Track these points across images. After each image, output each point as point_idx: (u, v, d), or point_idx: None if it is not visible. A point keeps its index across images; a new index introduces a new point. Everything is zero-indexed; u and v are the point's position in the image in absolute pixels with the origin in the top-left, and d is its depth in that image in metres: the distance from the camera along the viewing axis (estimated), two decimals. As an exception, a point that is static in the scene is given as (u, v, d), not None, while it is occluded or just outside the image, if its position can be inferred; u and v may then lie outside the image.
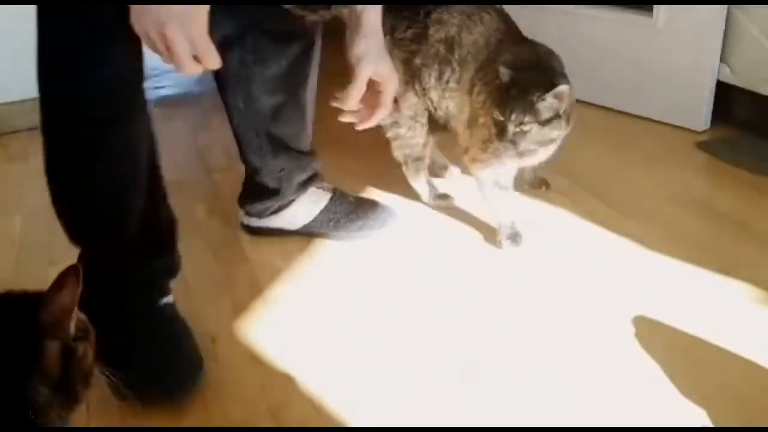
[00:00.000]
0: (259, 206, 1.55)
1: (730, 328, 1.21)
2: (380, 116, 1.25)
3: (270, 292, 1.40)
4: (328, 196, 1.56)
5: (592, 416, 1.06)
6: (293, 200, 1.54)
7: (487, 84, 1.42)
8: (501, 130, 1.35)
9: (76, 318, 0.78)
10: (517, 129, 1.32)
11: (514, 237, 1.48)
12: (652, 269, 1.40)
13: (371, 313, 1.32)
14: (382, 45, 1.22)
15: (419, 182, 1.66)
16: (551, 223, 1.59)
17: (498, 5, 1.49)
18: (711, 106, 1.98)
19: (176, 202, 1.78)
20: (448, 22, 1.47)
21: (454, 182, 1.78)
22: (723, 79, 1.94)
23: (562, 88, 1.30)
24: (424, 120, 1.57)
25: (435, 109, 1.55)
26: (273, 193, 1.52)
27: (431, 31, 1.48)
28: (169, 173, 1.96)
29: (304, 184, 1.54)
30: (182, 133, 2.24)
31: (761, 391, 1.09)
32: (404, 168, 1.65)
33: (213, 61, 0.97)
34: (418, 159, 1.63)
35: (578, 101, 2.20)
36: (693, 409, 1.05)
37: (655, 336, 1.21)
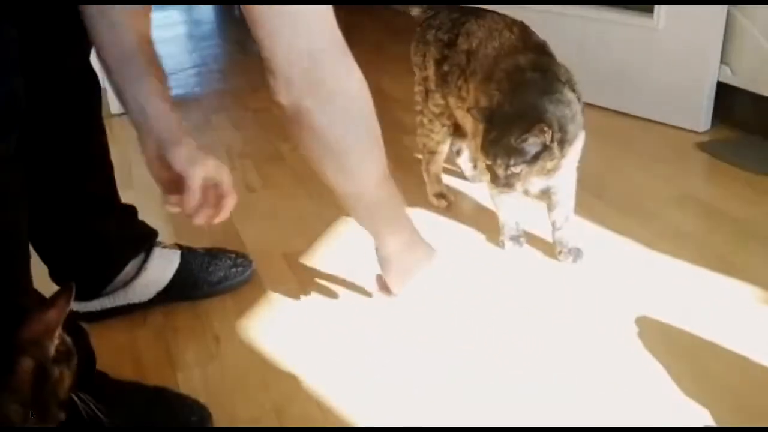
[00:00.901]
0: (88, 283, 1.31)
1: (732, 328, 1.21)
2: (232, 204, 1.07)
3: (273, 291, 1.41)
4: (178, 253, 1.38)
5: (594, 416, 1.06)
6: (141, 268, 1.33)
7: (485, 93, 1.41)
8: (493, 175, 1.32)
9: (60, 340, 0.76)
10: (508, 172, 1.29)
11: (517, 238, 1.48)
12: (654, 269, 1.40)
13: (374, 313, 1.32)
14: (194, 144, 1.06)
15: (427, 174, 1.71)
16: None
17: (525, 24, 1.48)
18: (711, 107, 1.99)
19: (178, 202, 1.81)
20: (474, 35, 1.48)
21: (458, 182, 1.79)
22: (723, 80, 1.95)
23: (541, 125, 1.24)
24: (447, 121, 1.61)
25: (451, 115, 1.58)
26: (102, 262, 1.31)
27: (460, 40, 1.50)
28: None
29: (140, 244, 1.35)
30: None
31: (764, 390, 1.09)
32: (421, 156, 1.72)
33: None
34: (431, 152, 1.68)
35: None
36: (696, 408, 1.05)
37: (657, 336, 1.21)
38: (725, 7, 1.87)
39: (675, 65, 2.00)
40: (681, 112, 2.03)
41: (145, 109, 1.02)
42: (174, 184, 1.03)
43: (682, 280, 1.37)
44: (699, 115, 1.99)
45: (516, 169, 1.28)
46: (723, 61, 1.93)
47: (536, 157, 1.27)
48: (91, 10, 0.99)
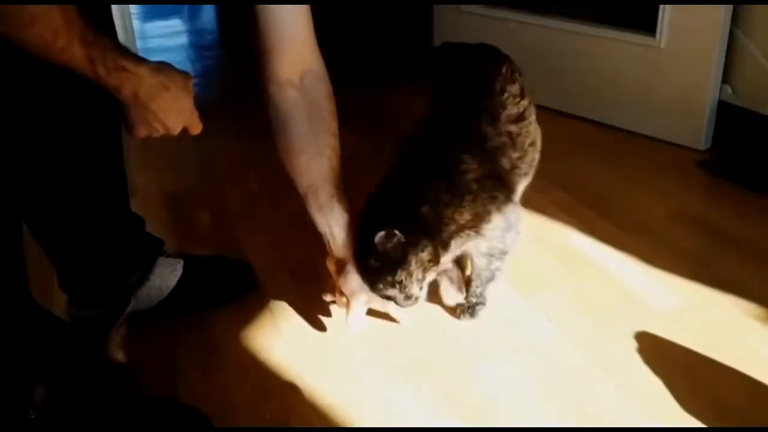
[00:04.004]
0: (94, 291, 1.31)
1: (729, 345, 1.22)
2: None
3: (274, 300, 1.41)
4: (181, 262, 1.37)
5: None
6: (146, 276, 1.32)
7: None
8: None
9: None
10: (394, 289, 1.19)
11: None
12: (652, 285, 1.41)
13: (375, 323, 1.32)
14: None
15: None
16: (552, 238, 1.59)
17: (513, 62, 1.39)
18: (712, 126, 2.00)
19: (181, 212, 1.82)
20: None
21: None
22: (724, 99, 1.96)
23: (384, 233, 1.12)
24: None
25: None
26: (108, 270, 1.30)
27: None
28: (173, 184, 1.99)
29: (146, 254, 1.35)
30: (186, 143, 2.25)
31: (760, 405, 1.10)
32: None
33: (199, 128, 1.15)
34: None
35: (582, 118, 2.23)
36: (696, 425, 1.06)
37: (656, 352, 1.22)
38: (727, 26, 1.89)
39: (676, 84, 2.01)
40: (682, 130, 2.04)
41: (326, 234, 1.25)
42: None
43: (680, 296, 1.37)
44: (700, 134, 2.01)
45: (397, 278, 1.15)
46: (724, 80, 1.95)
47: (403, 260, 1.14)
48: (287, 150, 1.20)
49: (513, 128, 1.28)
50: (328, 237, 1.25)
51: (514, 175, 1.29)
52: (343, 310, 1.27)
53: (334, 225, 1.23)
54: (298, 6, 1.12)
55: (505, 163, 1.26)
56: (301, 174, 1.22)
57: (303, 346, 1.28)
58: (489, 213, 1.21)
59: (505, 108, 1.28)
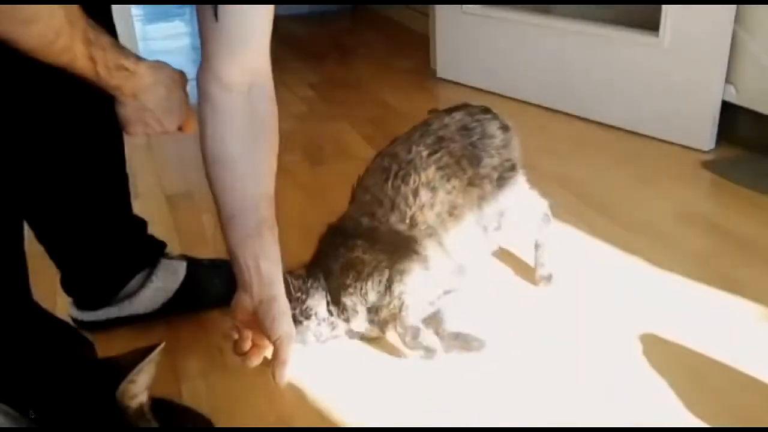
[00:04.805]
0: (96, 293, 1.31)
1: (736, 346, 1.22)
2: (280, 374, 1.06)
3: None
4: (184, 264, 1.36)
5: (600, 433, 1.06)
6: (149, 278, 1.32)
7: None
8: None
9: None
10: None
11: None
12: (658, 286, 1.40)
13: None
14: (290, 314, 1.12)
15: None
16: (557, 240, 1.59)
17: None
18: (716, 126, 1.99)
19: (184, 213, 1.82)
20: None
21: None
22: (728, 99, 1.96)
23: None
24: None
25: None
26: (111, 272, 1.31)
27: None
28: (176, 185, 1.99)
29: (149, 256, 1.34)
30: (188, 144, 2.24)
31: (764, 406, 1.09)
32: None
33: (193, 127, 1.13)
34: None
35: (584, 118, 2.22)
36: (697, 423, 1.05)
37: (661, 353, 1.21)
38: (730, 26, 1.88)
39: (680, 84, 2.01)
40: (686, 130, 2.03)
41: (250, 267, 1.06)
42: (248, 323, 1.09)
43: (686, 297, 1.37)
44: (704, 134, 2.00)
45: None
46: (728, 80, 1.94)
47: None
48: (220, 160, 1.05)
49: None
50: (252, 273, 1.06)
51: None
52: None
53: (261, 257, 1.07)
54: (263, 15, 1.02)
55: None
56: (230, 191, 1.07)
57: (306, 347, 1.28)
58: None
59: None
